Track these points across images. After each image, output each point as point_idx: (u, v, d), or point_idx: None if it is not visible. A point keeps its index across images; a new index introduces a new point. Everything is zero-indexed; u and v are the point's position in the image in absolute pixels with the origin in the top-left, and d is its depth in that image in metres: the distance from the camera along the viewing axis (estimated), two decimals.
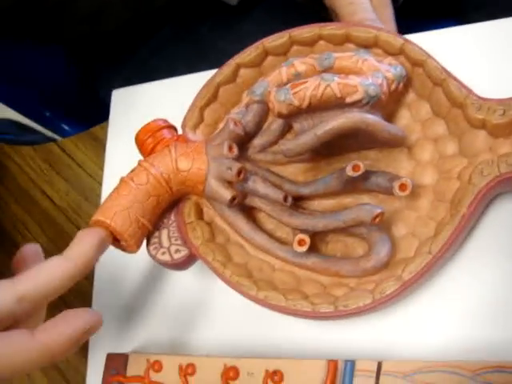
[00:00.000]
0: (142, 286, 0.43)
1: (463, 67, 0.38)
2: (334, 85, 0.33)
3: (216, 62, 0.41)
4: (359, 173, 0.33)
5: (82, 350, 0.43)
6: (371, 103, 0.34)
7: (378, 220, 0.33)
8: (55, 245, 0.49)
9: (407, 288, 0.33)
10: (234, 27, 0.58)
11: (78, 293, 0.47)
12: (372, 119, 0.33)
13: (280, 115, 0.35)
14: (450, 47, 0.40)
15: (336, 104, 0.34)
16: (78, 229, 0.39)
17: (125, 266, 0.44)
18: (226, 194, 0.35)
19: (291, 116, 0.35)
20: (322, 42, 0.39)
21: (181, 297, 0.42)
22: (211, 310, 0.40)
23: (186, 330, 0.41)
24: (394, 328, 0.36)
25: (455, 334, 0.35)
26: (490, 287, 0.35)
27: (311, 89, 0.33)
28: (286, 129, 0.37)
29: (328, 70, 0.36)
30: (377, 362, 0.32)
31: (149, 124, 0.39)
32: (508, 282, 0.34)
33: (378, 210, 0.33)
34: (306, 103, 0.34)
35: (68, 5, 0.54)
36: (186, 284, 0.42)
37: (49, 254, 0.51)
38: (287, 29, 0.44)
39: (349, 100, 0.33)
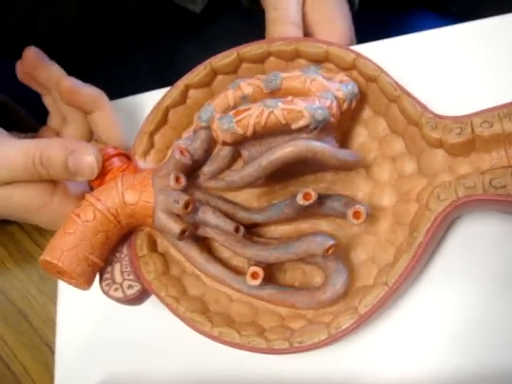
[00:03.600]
0: (108, 316, 0.42)
1: (421, 79, 0.36)
2: (277, 111, 0.31)
3: (183, 69, 0.39)
4: (310, 201, 0.32)
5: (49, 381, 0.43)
6: (320, 127, 0.32)
7: (330, 252, 0.32)
8: (22, 269, 0.48)
9: (364, 322, 0.31)
10: (200, 34, 0.55)
11: (44, 319, 0.46)
12: (319, 147, 0.31)
13: (225, 144, 0.33)
14: (410, 57, 0.37)
15: (283, 130, 0.32)
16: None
17: (90, 297, 0.42)
18: (175, 227, 0.34)
19: (237, 144, 0.33)
20: (272, 59, 0.37)
21: (145, 328, 0.41)
22: (176, 341, 0.39)
23: (150, 361, 0.40)
24: (355, 358, 0.35)
25: (419, 363, 0.33)
26: (453, 312, 0.33)
27: (254, 116, 0.32)
28: (236, 154, 0.36)
29: (275, 91, 0.34)
30: None
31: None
32: (471, 308, 0.33)
33: (330, 243, 0.31)
34: (250, 131, 0.32)
35: (28, 22, 0.52)
36: (152, 314, 0.40)
37: (16, 278, 0.50)
38: (255, 32, 0.42)
39: (294, 126, 0.32)
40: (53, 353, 0.43)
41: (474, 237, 0.34)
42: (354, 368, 0.34)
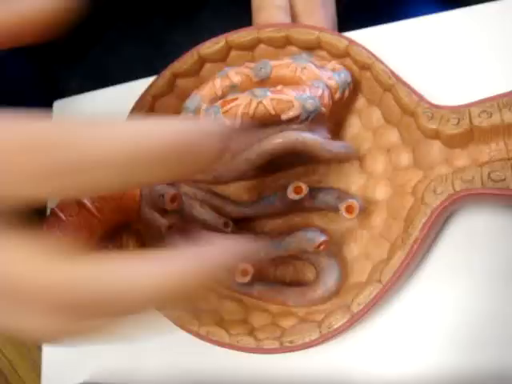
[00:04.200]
0: None
1: (418, 67, 0.34)
2: (266, 101, 0.30)
3: (173, 56, 0.38)
4: (301, 195, 0.30)
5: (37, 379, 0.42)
6: (311, 118, 0.31)
7: (322, 248, 0.30)
8: None
9: (357, 321, 0.30)
10: (189, 18, 0.54)
11: None
12: (309, 139, 0.30)
13: None
14: (405, 44, 0.36)
15: (272, 121, 0.31)
16: None
17: None
18: (161, 222, 0.32)
19: None
20: (262, 46, 0.35)
21: None
22: (166, 336, 0.38)
23: (139, 358, 0.39)
24: (348, 356, 0.33)
25: (414, 362, 0.32)
26: (450, 309, 0.32)
27: (242, 106, 0.30)
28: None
29: (265, 80, 0.32)
30: None
31: None
32: (468, 305, 0.32)
33: (321, 239, 0.30)
34: (237, 122, 0.31)
35: None
36: None
37: None
38: (247, 18, 0.41)
39: (284, 117, 0.30)
40: (40, 349, 0.42)
41: (472, 231, 0.32)
42: (347, 366, 0.33)
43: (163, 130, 0.17)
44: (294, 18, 0.41)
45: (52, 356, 0.41)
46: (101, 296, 0.17)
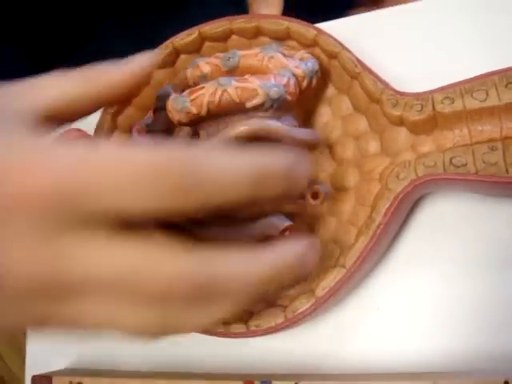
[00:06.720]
0: None
1: (388, 56, 0.35)
2: (231, 90, 0.30)
3: None
4: None
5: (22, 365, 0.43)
6: (276, 106, 0.31)
7: (287, 233, 0.31)
8: None
9: (321, 305, 0.31)
10: (179, 15, 0.54)
11: None
12: (272, 126, 0.30)
13: (181, 124, 0.32)
14: (376, 33, 0.36)
15: (238, 109, 0.31)
16: None
17: None
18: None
19: (194, 124, 0.32)
20: (234, 37, 0.36)
21: None
22: None
23: (122, 342, 0.39)
24: (314, 342, 0.34)
25: (379, 346, 0.32)
26: (420, 295, 0.32)
27: (208, 95, 0.31)
28: (197, 134, 0.35)
29: (234, 69, 0.33)
30: (294, 383, 0.31)
31: (61, 135, 0.37)
32: (436, 290, 0.32)
33: (285, 224, 0.30)
34: (204, 110, 0.31)
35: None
36: None
37: None
38: (233, 9, 0.42)
39: (249, 105, 0.31)
40: (25, 336, 0.43)
41: (439, 218, 0.33)
42: (320, 350, 0.34)
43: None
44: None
45: (36, 343, 0.42)
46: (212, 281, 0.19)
